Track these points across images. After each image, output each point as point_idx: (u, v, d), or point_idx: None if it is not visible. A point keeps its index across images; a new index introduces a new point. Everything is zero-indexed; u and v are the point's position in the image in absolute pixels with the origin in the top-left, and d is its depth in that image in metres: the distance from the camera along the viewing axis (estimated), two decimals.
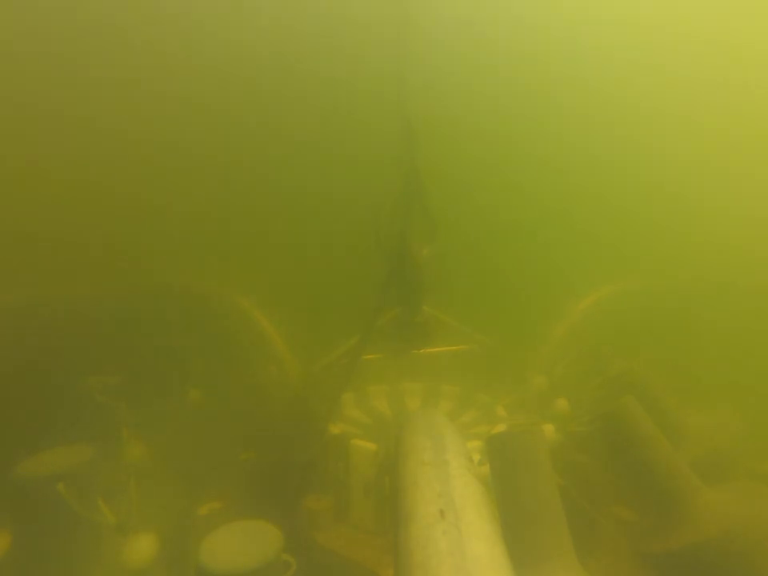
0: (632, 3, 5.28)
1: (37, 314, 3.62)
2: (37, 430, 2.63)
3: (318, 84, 4.93)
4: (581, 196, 5.32)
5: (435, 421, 1.98)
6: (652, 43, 5.23)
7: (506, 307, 4.70)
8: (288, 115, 4.96)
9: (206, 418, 3.57)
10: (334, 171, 4.97)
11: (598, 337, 4.00)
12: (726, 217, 5.11)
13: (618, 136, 5.39)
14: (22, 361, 3.25)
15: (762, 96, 5.26)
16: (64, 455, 2.28)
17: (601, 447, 2.54)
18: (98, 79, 4.61)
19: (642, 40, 5.22)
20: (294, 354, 3.93)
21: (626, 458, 2.31)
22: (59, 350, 3.45)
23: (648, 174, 5.47)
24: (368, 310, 2.90)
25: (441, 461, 1.59)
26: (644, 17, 5.23)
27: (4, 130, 4.14)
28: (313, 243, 5.00)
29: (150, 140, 4.69)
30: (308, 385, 3.38)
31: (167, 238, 4.74)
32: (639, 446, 2.25)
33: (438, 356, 3.44)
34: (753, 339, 4.09)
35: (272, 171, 5.07)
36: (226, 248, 4.88)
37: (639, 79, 5.36)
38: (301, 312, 4.23)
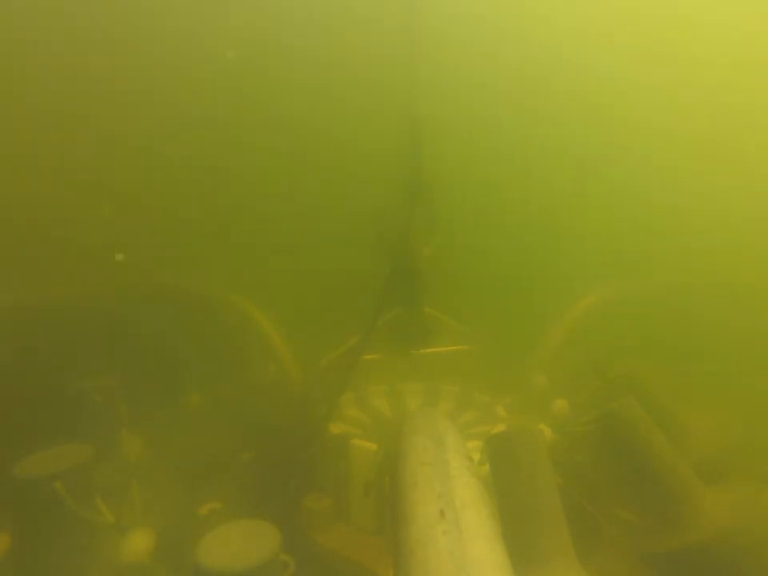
0: (635, 9, 5.31)
1: (36, 313, 3.62)
2: (35, 429, 2.63)
3: (322, 83, 4.93)
4: (582, 197, 5.32)
5: (435, 421, 1.98)
6: (651, 48, 5.26)
7: (506, 307, 4.70)
8: (290, 114, 4.96)
9: (206, 417, 3.57)
10: (336, 170, 4.97)
11: (598, 337, 4.00)
12: (726, 217, 5.12)
13: (618, 137, 5.40)
14: (21, 360, 3.25)
15: (758, 98, 5.28)
16: (62, 455, 2.28)
17: (601, 448, 2.54)
18: (98, 78, 4.61)
19: (642, 46, 5.26)
20: (293, 354, 3.93)
21: (626, 459, 2.31)
22: (58, 349, 3.45)
23: (648, 175, 5.47)
24: (368, 309, 2.90)
25: (441, 461, 1.59)
26: (646, 22, 5.25)
27: (3, 129, 4.14)
28: (313, 243, 4.99)
29: (150, 139, 4.69)
30: (308, 385, 3.38)
31: (167, 237, 4.74)
32: (639, 447, 2.25)
33: (437, 356, 3.44)
34: (752, 339, 4.09)
35: (273, 170, 5.06)
36: (225, 248, 4.88)
37: (640, 82, 5.38)
38: (301, 312, 4.23)
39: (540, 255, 5.23)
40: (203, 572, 1.70)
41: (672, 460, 2.22)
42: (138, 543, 2.18)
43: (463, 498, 1.38)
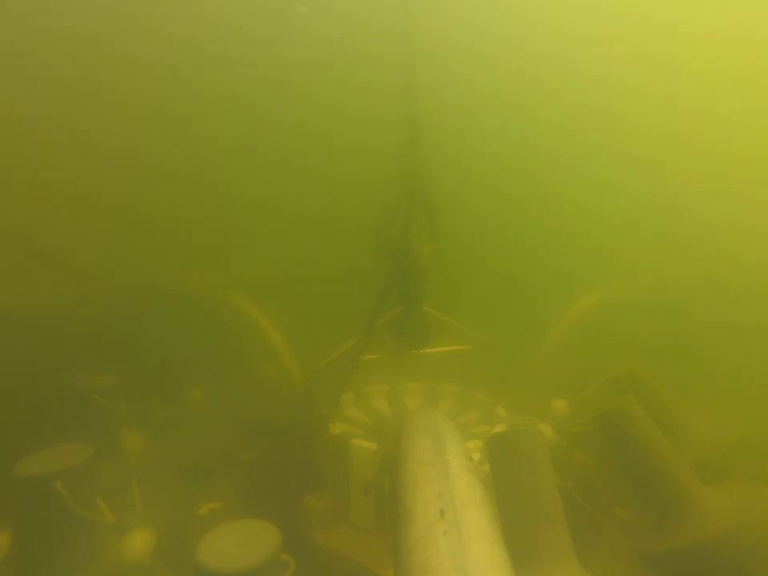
0: (634, 11, 5.32)
1: (36, 313, 3.62)
2: (35, 429, 2.63)
3: (322, 83, 4.93)
4: (583, 196, 5.33)
5: (435, 421, 1.97)
6: (648, 52, 5.27)
7: (506, 307, 4.70)
8: (290, 114, 4.96)
9: (206, 418, 3.57)
10: (335, 170, 4.97)
11: (599, 336, 4.00)
12: (726, 217, 5.12)
13: (618, 138, 5.41)
14: (21, 360, 3.25)
15: (757, 101, 5.29)
16: (62, 454, 2.28)
17: (601, 447, 2.54)
18: (92, 81, 4.61)
19: (639, 49, 5.27)
20: (294, 354, 3.93)
21: (626, 458, 2.31)
22: (58, 349, 3.45)
23: (649, 175, 5.48)
24: (368, 309, 2.90)
25: (441, 461, 1.58)
26: (644, 24, 5.26)
27: (3, 131, 4.14)
28: (313, 243, 5.00)
29: (151, 139, 4.69)
30: (308, 385, 3.38)
31: (168, 237, 4.75)
32: (639, 446, 2.25)
33: (437, 356, 3.43)
34: (753, 339, 4.09)
35: (273, 170, 5.07)
36: (226, 248, 4.88)
37: (640, 85, 5.39)
38: (301, 312, 4.23)
39: (540, 254, 5.23)
40: (203, 572, 1.70)
41: (672, 459, 2.22)
42: (138, 543, 2.18)
43: (463, 497, 1.38)
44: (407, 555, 1.22)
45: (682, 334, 4.20)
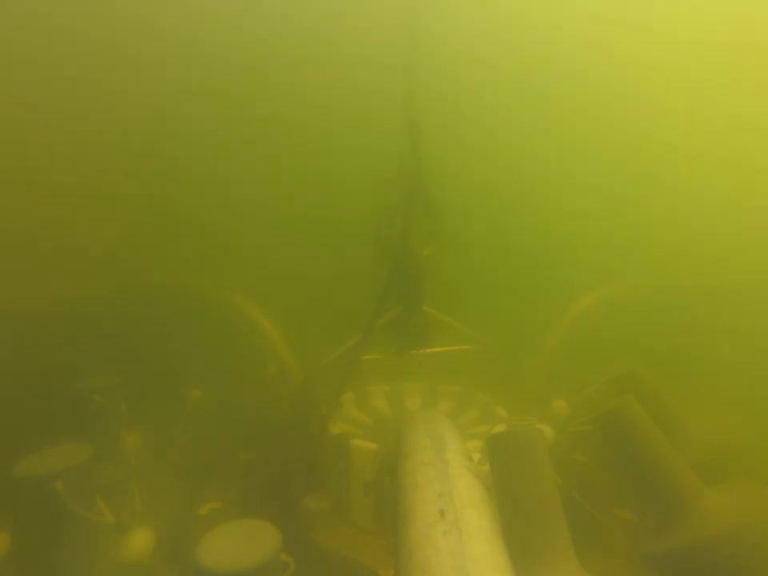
0: (636, 11, 5.32)
1: (36, 313, 3.62)
2: (35, 429, 2.63)
3: (322, 83, 4.93)
4: (583, 196, 5.32)
5: (435, 421, 1.97)
6: (650, 59, 5.28)
7: (506, 307, 4.70)
8: (289, 113, 4.96)
9: (206, 418, 3.57)
10: (335, 170, 4.97)
11: (599, 336, 4.00)
12: (725, 219, 5.12)
13: (619, 142, 5.41)
14: (21, 360, 3.25)
15: (751, 103, 5.30)
16: (63, 454, 2.28)
17: (601, 447, 2.54)
18: (100, 83, 4.61)
19: (641, 55, 5.27)
20: (294, 353, 3.93)
21: (626, 458, 2.31)
22: (59, 349, 3.45)
23: (649, 178, 5.48)
24: (368, 309, 2.90)
25: (441, 460, 1.58)
26: (646, 30, 5.27)
27: (4, 132, 4.14)
28: (313, 243, 4.99)
29: (149, 139, 4.69)
30: (308, 385, 3.38)
31: (167, 237, 4.74)
32: (639, 446, 2.25)
33: (437, 356, 3.43)
34: (752, 340, 4.09)
35: (273, 170, 5.06)
36: (226, 248, 4.88)
37: (640, 91, 5.40)
38: (301, 312, 4.23)
39: (541, 255, 5.23)
40: (203, 572, 1.70)
41: (672, 460, 2.22)
42: (138, 543, 2.18)
43: (463, 497, 1.38)
44: (407, 555, 1.22)
45: (682, 334, 4.20)
